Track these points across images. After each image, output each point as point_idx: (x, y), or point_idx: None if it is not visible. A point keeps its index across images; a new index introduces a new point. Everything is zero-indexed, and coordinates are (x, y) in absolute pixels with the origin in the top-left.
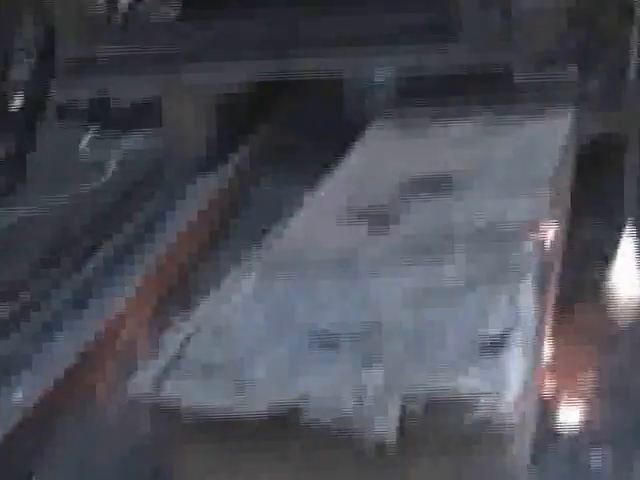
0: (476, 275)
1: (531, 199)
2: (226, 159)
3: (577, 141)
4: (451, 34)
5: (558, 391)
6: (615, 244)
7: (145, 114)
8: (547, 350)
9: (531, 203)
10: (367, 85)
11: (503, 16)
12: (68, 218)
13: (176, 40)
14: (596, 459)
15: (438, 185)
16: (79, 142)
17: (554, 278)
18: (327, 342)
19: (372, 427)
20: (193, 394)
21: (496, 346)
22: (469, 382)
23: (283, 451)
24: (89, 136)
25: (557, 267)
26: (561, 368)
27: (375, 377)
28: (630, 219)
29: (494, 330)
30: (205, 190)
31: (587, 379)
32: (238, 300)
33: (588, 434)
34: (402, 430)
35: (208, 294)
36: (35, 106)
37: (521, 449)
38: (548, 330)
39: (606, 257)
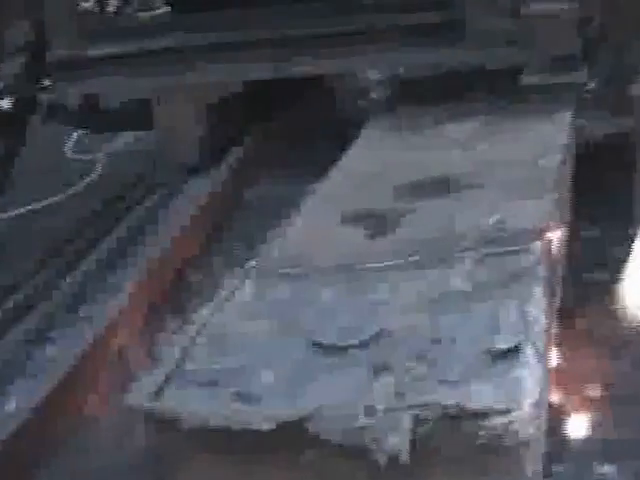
0: (484, 281)
1: (536, 202)
2: (219, 161)
3: (585, 141)
4: (458, 34)
5: (568, 400)
6: (624, 246)
7: (135, 115)
8: (556, 357)
9: (536, 206)
10: (362, 83)
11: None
12: (50, 222)
13: (168, 40)
14: (609, 470)
15: (439, 187)
16: (67, 142)
17: (560, 283)
18: (333, 351)
19: (384, 441)
20: (194, 405)
21: (509, 356)
22: (483, 393)
23: (290, 463)
24: (77, 137)
25: (562, 271)
26: (569, 375)
27: (385, 388)
28: None
29: (506, 339)
30: (198, 192)
31: (595, 386)
32: (238, 307)
33: (600, 445)
34: (415, 443)
35: (206, 300)
36: (24, 106)
37: (535, 462)
38: (556, 337)
39: (615, 260)
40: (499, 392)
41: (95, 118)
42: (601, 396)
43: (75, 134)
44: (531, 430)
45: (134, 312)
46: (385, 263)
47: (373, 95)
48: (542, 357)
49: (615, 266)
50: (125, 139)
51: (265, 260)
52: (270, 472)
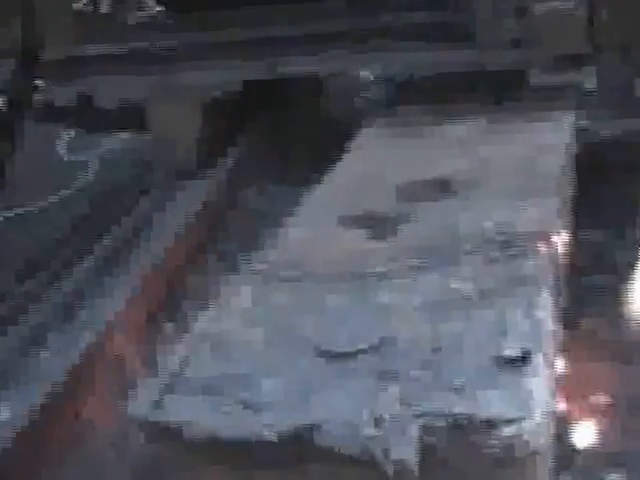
0: (490, 287)
1: (537, 205)
2: (215, 163)
3: (592, 142)
4: (465, 35)
5: (576, 407)
6: (630, 251)
7: (129, 115)
8: (563, 365)
9: (539, 208)
10: (356, 84)
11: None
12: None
13: (163, 40)
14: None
15: (439, 190)
16: (59, 144)
17: (564, 288)
18: (337, 358)
19: (392, 451)
20: (195, 414)
21: (518, 363)
22: (492, 403)
23: (296, 473)
24: (69, 138)
25: (566, 275)
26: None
27: (392, 398)
28: None
29: (514, 346)
30: (194, 195)
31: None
32: (238, 314)
33: (608, 452)
34: (423, 453)
35: (205, 307)
36: (18, 107)
37: (545, 473)
38: (562, 343)
39: (620, 265)
40: (509, 401)
41: (89, 118)
42: (608, 403)
43: (67, 135)
44: (542, 440)
45: (130, 319)
46: (388, 267)
47: (371, 95)
48: (551, 364)
49: (621, 270)
50: (120, 139)
51: (263, 264)
52: None
